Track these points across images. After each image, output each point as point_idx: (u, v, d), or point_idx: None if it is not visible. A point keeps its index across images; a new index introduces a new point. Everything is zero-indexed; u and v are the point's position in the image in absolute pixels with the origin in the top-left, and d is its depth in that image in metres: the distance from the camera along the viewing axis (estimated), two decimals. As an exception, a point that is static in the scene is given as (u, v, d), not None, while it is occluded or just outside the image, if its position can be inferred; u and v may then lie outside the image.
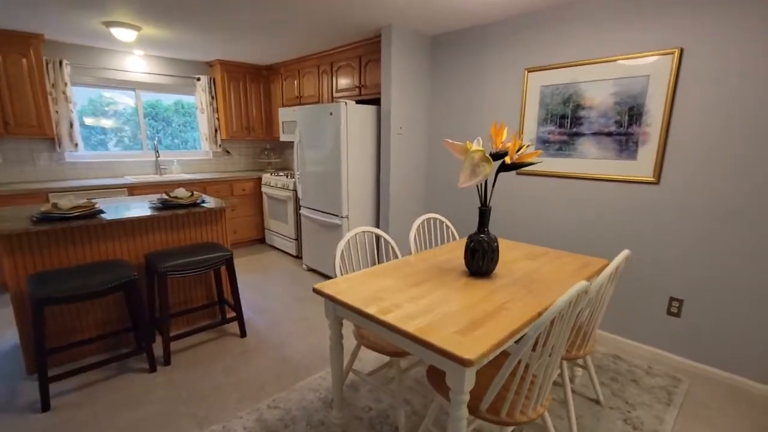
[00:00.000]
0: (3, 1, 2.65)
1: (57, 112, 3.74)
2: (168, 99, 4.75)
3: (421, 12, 2.84)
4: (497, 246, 1.79)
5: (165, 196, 2.72)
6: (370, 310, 1.48)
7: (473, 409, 1.39)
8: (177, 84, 4.65)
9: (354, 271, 2.04)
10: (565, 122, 2.71)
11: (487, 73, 3.14)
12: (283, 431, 1.88)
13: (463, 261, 2.05)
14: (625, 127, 2.46)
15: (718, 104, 2.16)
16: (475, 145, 1.66)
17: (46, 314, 2.26)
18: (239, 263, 4.33)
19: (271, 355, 2.51)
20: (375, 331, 1.49)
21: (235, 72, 4.76)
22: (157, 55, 4.39)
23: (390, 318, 1.41)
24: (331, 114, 3.41)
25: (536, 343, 1.40)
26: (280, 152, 5.64)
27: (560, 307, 1.21)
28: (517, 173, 3.08)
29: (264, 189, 4.78)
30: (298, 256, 4.50)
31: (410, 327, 1.34)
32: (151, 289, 2.58)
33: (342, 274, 1.94)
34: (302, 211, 4.02)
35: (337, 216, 3.57)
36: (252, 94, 4.97)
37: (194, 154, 4.95)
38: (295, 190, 4.26)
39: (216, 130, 4.88)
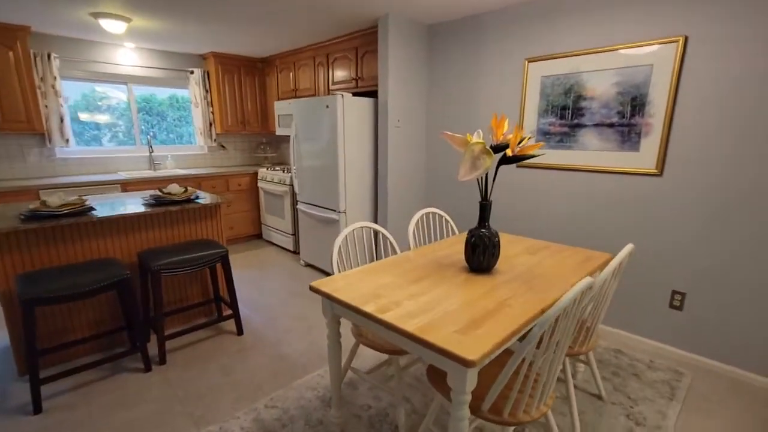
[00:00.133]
0: (-14, -8, 2.57)
1: (46, 106, 3.65)
2: (162, 93, 4.67)
3: (418, 0, 2.77)
4: (498, 241, 1.74)
5: (158, 193, 2.66)
6: (368, 308, 1.43)
7: (475, 408, 1.36)
8: (170, 77, 4.56)
9: (352, 267, 1.99)
10: (567, 113, 2.66)
11: (487, 63, 3.08)
12: (281, 431, 1.84)
13: (463, 256, 2.00)
14: (627, 118, 2.41)
15: (724, 93, 2.11)
16: (476, 138, 1.61)
17: (37, 314, 2.21)
18: (236, 259, 4.28)
19: (268, 353, 2.47)
20: (373, 329, 1.45)
21: (230, 64, 4.67)
22: (149, 47, 4.29)
23: (389, 317, 1.37)
24: (327, 107, 3.35)
25: (540, 340, 1.36)
26: (276, 146, 5.57)
27: (565, 305, 1.16)
28: (517, 166, 3.03)
29: (260, 184, 4.71)
30: (296, 252, 4.46)
31: (410, 326, 1.30)
32: (145, 287, 2.53)
33: (339, 271, 1.89)
34: (299, 206, 3.97)
35: (335, 211, 3.52)
36: (247, 87, 4.89)
37: (189, 149, 4.87)
38: (291, 185, 4.20)
39: (210, 125, 4.80)
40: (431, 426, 1.63)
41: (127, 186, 3.83)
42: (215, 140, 4.90)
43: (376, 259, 3.69)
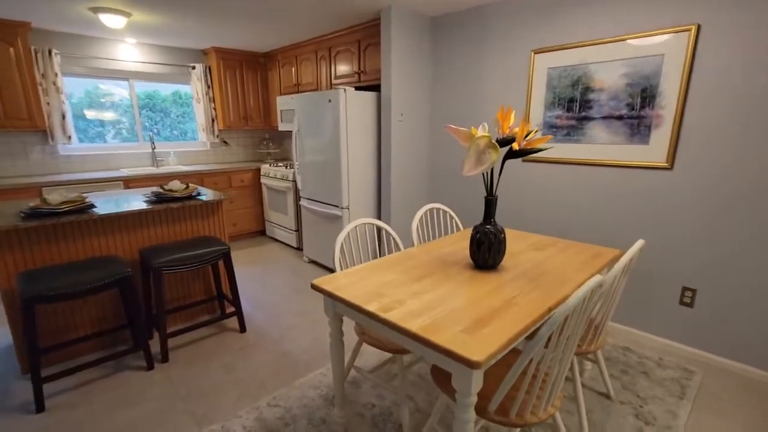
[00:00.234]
0: (-16, -13, 2.54)
1: (48, 103, 3.63)
2: (166, 89, 4.64)
3: (421, -9, 2.71)
4: (504, 237, 1.70)
5: (159, 189, 2.64)
6: (371, 307, 1.40)
7: (481, 409, 1.32)
8: (172, 73, 4.53)
9: (356, 264, 1.96)
10: (574, 106, 2.59)
11: (492, 55, 3.01)
12: (283, 430, 1.82)
13: (467, 253, 1.96)
14: (637, 110, 2.35)
15: (738, 83, 2.04)
16: (481, 131, 1.56)
17: (39, 312, 2.20)
18: (239, 255, 4.26)
19: (271, 351, 2.45)
20: (376, 328, 1.41)
21: (231, 59, 4.63)
22: (150, 43, 4.26)
23: (391, 316, 1.33)
24: (329, 101, 3.30)
25: (548, 340, 1.32)
26: (279, 142, 5.53)
27: (574, 305, 1.12)
28: (524, 160, 2.98)
29: (263, 180, 4.68)
30: (299, 248, 4.43)
31: (413, 326, 1.26)
32: (147, 285, 2.52)
33: (342, 269, 1.86)
34: (302, 202, 3.94)
35: (338, 207, 3.48)
36: (249, 83, 4.84)
37: (191, 145, 4.85)
38: (294, 181, 4.16)
39: (213, 120, 4.77)
40: (436, 426, 1.60)
41: (129, 183, 3.81)
42: (218, 136, 4.87)
43: (380, 256, 3.66)
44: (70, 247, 2.25)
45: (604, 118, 2.48)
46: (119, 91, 4.29)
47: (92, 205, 2.32)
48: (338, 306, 1.59)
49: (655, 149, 2.32)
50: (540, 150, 1.59)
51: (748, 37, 1.98)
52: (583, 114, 2.56)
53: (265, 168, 4.62)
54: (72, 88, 3.97)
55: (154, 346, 2.50)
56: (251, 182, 4.71)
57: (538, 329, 1.76)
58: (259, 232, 5.01)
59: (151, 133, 4.45)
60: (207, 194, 2.77)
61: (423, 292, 1.51)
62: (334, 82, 3.94)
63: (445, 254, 1.95)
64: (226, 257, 2.54)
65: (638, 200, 2.46)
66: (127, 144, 4.38)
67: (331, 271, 3.64)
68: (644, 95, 2.30)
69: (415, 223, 2.25)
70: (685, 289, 2.37)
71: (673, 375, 2.22)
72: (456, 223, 2.49)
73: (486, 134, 1.53)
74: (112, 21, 3.09)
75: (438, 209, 3.35)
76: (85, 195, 2.42)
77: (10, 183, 3.24)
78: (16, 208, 2.36)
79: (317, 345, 2.52)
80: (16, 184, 3.24)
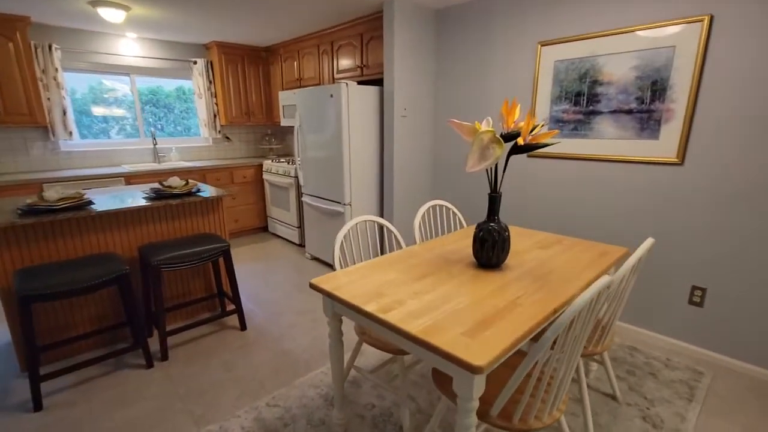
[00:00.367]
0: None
1: (49, 99, 3.61)
2: (169, 85, 4.61)
3: (424, -17, 2.64)
4: (508, 235, 1.65)
5: (158, 186, 2.61)
6: (370, 307, 1.36)
7: (483, 413, 1.28)
8: (173, 68, 4.49)
9: (358, 261, 1.91)
10: (581, 100, 2.52)
11: (497, 48, 2.94)
12: (282, 431, 1.79)
13: (470, 250, 1.91)
14: (647, 104, 2.27)
15: (753, 76, 1.96)
16: (485, 126, 1.51)
17: (37, 310, 2.18)
18: (241, 252, 4.24)
19: (271, 349, 2.42)
20: (376, 329, 1.37)
21: (233, 54, 4.58)
22: (151, 37, 4.22)
23: (391, 317, 1.29)
24: (331, 96, 3.25)
25: (554, 342, 1.27)
26: (281, 137, 5.49)
27: (580, 307, 1.07)
28: (529, 155, 2.91)
29: (265, 176, 4.65)
30: (301, 245, 4.40)
31: (413, 327, 1.22)
32: (146, 282, 2.49)
33: (342, 267, 1.82)
34: (304, 198, 3.90)
35: (340, 203, 3.44)
36: (251, 77, 4.80)
37: (193, 141, 4.82)
38: (296, 177, 4.12)
39: (215, 116, 4.74)
40: (436, 429, 1.56)
41: (130, 179, 3.79)
42: (220, 132, 4.84)
43: (384, 253, 3.62)
44: (67, 245, 2.23)
45: (613, 112, 2.41)
46: (123, 86, 4.26)
47: (90, 202, 2.30)
48: (337, 306, 1.55)
49: (666, 144, 2.25)
50: (546, 145, 1.54)
51: (764, 27, 1.90)
52: (591, 108, 2.49)
53: (267, 164, 4.59)
54: (75, 83, 3.95)
55: (155, 343, 2.48)
56: (253, 178, 4.68)
57: (543, 331, 1.71)
58: (262, 229, 4.99)
59: (152, 129, 4.42)
60: (207, 191, 2.73)
61: (424, 292, 1.47)
62: (336, 76, 3.89)
63: (448, 252, 1.90)
64: (226, 254, 2.51)
65: (647, 196, 2.39)
66: (129, 140, 4.35)
67: (333, 268, 3.61)
68: (654, 88, 2.23)
69: (417, 220, 2.20)
70: (694, 288, 2.31)
71: (681, 376, 2.17)
72: (459, 219, 2.44)
73: (490, 129, 1.47)
74: (111, 15, 3.05)
75: (441, 206, 3.30)
76: (83, 191, 2.40)
77: (11, 179, 3.23)
78: (14, 204, 2.34)
79: (318, 343, 2.48)
80: (17, 180, 3.23)
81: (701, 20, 2.04)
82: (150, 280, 2.48)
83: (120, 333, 2.51)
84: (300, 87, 4.41)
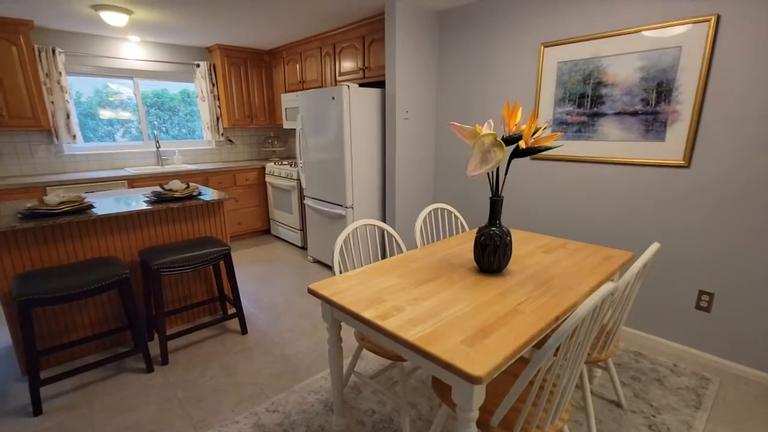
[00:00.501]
0: (-16, -14, 2.52)
1: (53, 102, 3.63)
2: (174, 88, 4.62)
3: (426, -16, 2.62)
4: (510, 240, 1.62)
5: (159, 189, 2.60)
6: (368, 314, 1.34)
7: (483, 423, 1.25)
8: (176, 71, 4.51)
9: (358, 266, 1.89)
10: (585, 101, 2.49)
11: (499, 49, 2.91)
12: (281, 437, 1.77)
13: (472, 255, 1.89)
14: (652, 106, 2.24)
15: (759, 77, 1.92)
16: (486, 129, 1.48)
17: (38, 314, 2.18)
18: (244, 255, 4.23)
19: (272, 354, 2.41)
20: (376, 336, 1.35)
21: (236, 57, 4.59)
22: (154, 40, 4.24)
23: (389, 324, 1.27)
24: (333, 98, 3.24)
25: (557, 350, 1.24)
26: (284, 140, 5.48)
27: (584, 315, 1.04)
28: (531, 158, 2.88)
29: (268, 179, 4.65)
30: (304, 247, 4.39)
31: (411, 335, 1.20)
32: (147, 286, 2.49)
33: (342, 271, 1.80)
34: (306, 201, 3.89)
35: (342, 206, 3.42)
36: (254, 80, 4.80)
37: (196, 144, 4.83)
38: (299, 180, 4.11)
39: (218, 119, 4.74)
40: (437, 437, 1.53)
41: (133, 182, 3.80)
42: (222, 135, 4.84)
43: (385, 257, 3.59)
44: (68, 249, 2.23)
45: (617, 114, 2.37)
46: (128, 90, 4.28)
47: (91, 206, 2.30)
48: (336, 312, 1.53)
49: (672, 146, 2.21)
50: (548, 148, 1.51)
51: (773, 26, 1.86)
52: (595, 110, 2.46)
53: (269, 166, 4.58)
54: (81, 87, 3.97)
55: (155, 347, 2.48)
56: (256, 181, 4.68)
57: (546, 338, 1.68)
58: (264, 231, 4.98)
59: (156, 132, 4.43)
60: (208, 194, 2.73)
61: (424, 298, 1.44)
62: (338, 78, 3.88)
63: (449, 256, 1.88)
64: (227, 258, 2.50)
65: (652, 200, 2.35)
66: (132, 143, 4.37)
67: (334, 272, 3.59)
68: (660, 90, 2.20)
69: (418, 224, 2.18)
70: (701, 292, 2.27)
71: (688, 383, 2.13)
72: (461, 223, 2.41)
73: (491, 132, 1.45)
74: (113, 19, 3.06)
75: (443, 209, 3.27)
76: (84, 195, 2.40)
77: (15, 182, 3.24)
78: (15, 208, 2.34)
79: (319, 348, 2.46)
80: (22, 183, 3.24)
81: (708, 20, 2.00)
82: (150, 284, 2.47)
83: (120, 337, 2.50)
84: (302, 89, 4.41)
